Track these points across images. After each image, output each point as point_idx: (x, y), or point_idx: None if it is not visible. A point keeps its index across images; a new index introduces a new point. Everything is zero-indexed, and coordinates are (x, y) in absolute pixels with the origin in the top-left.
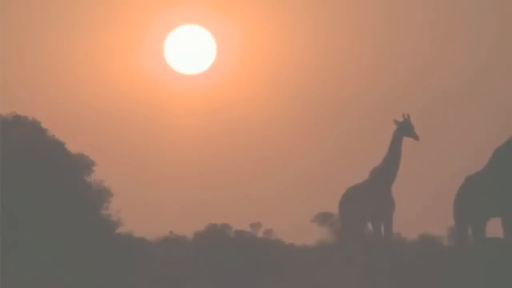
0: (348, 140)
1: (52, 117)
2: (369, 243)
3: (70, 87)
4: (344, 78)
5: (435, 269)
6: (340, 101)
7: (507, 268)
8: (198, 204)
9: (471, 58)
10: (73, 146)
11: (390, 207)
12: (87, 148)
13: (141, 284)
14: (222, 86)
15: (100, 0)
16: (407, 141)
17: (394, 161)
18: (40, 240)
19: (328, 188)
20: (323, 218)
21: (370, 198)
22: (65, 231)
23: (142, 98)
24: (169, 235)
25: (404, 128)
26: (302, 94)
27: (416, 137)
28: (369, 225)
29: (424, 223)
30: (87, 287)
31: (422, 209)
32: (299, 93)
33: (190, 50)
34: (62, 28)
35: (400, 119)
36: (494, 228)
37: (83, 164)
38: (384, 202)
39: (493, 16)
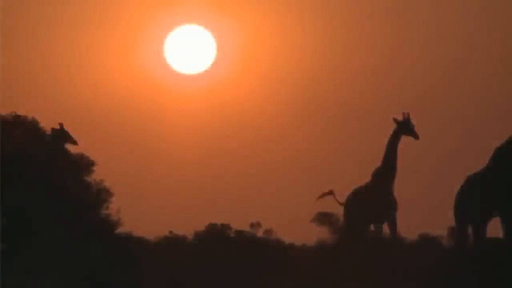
0: (348, 140)
1: (52, 117)
2: (372, 243)
3: (70, 87)
4: (345, 78)
5: (435, 269)
6: (341, 101)
7: (507, 268)
8: (198, 204)
9: (472, 57)
10: (73, 146)
11: (392, 207)
12: (87, 148)
13: (141, 284)
14: (222, 86)
15: (100, 0)
16: (407, 140)
17: (393, 159)
18: (39, 240)
19: (328, 188)
20: (323, 218)
21: (373, 198)
22: (65, 231)
23: (142, 98)
24: (169, 235)
25: (404, 127)
26: (302, 94)
27: (416, 136)
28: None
29: (424, 223)
30: (86, 287)
31: (422, 209)
32: (299, 93)
33: (190, 50)
34: (61, 28)
35: (400, 118)
36: (494, 228)
37: (83, 164)
38: (387, 202)
39: (494, 15)
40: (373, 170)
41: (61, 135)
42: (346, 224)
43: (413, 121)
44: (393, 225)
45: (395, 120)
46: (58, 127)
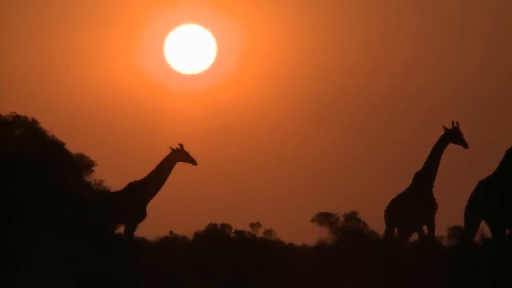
0: (349, 140)
1: (52, 117)
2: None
3: (70, 87)
4: (345, 77)
5: (435, 269)
6: (341, 101)
7: (507, 268)
8: (198, 204)
9: (479, 57)
10: (73, 146)
11: (433, 208)
12: (87, 148)
13: (141, 284)
14: (222, 85)
15: (100, 0)
16: (407, 141)
17: (436, 165)
18: (39, 240)
19: (328, 188)
20: (323, 218)
21: (415, 201)
22: (65, 231)
23: (142, 98)
24: (169, 235)
25: (453, 135)
26: (302, 94)
27: (465, 145)
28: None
29: None
30: (86, 287)
31: None
32: (299, 93)
33: (190, 50)
34: (61, 28)
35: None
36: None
37: (83, 164)
38: (428, 204)
39: (493, 14)
40: (414, 174)
41: (180, 155)
42: (387, 229)
43: (415, 121)
44: (431, 226)
45: (444, 128)
46: (178, 147)
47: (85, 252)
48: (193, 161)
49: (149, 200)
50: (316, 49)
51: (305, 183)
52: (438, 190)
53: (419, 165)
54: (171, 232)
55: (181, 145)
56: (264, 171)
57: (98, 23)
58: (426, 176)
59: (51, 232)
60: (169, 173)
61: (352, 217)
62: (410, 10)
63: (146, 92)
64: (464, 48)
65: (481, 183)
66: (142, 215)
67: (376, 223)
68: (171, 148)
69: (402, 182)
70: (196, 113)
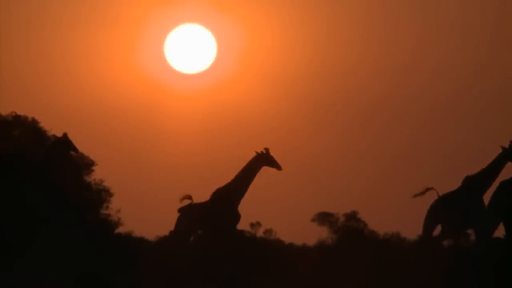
0: (349, 140)
1: (52, 117)
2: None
3: (70, 87)
4: (345, 77)
5: (435, 269)
6: (341, 101)
7: (508, 268)
8: None
9: (479, 57)
10: None
11: (481, 213)
12: (87, 148)
13: (141, 284)
14: (222, 85)
15: (100, 0)
16: (407, 141)
17: (493, 178)
18: (39, 240)
19: (328, 188)
20: (323, 218)
21: (462, 204)
22: (65, 231)
23: (142, 97)
24: (169, 235)
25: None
26: (302, 94)
27: None
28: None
29: None
30: (87, 287)
31: (422, 209)
32: (299, 93)
33: (190, 50)
34: (61, 28)
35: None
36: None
37: (83, 164)
38: (477, 209)
39: (493, 14)
40: (465, 177)
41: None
42: (426, 228)
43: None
44: (479, 230)
45: (502, 148)
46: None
47: (85, 252)
48: (278, 166)
49: (238, 203)
50: (316, 49)
51: (305, 183)
52: (439, 190)
53: (419, 165)
54: (171, 232)
55: (266, 149)
56: (264, 171)
57: (98, 23)
58: (478, 184)
59: (51, 232)
60: (253, 178)
61: (352, 217)
62: (411, 10)
63: (146, 92)
64: (465, 48)
65: (502, 183)
66: (236, 218)
67: (376, 223)
68: (255, 152)
69: (402, 182)
70: (196, 113)
